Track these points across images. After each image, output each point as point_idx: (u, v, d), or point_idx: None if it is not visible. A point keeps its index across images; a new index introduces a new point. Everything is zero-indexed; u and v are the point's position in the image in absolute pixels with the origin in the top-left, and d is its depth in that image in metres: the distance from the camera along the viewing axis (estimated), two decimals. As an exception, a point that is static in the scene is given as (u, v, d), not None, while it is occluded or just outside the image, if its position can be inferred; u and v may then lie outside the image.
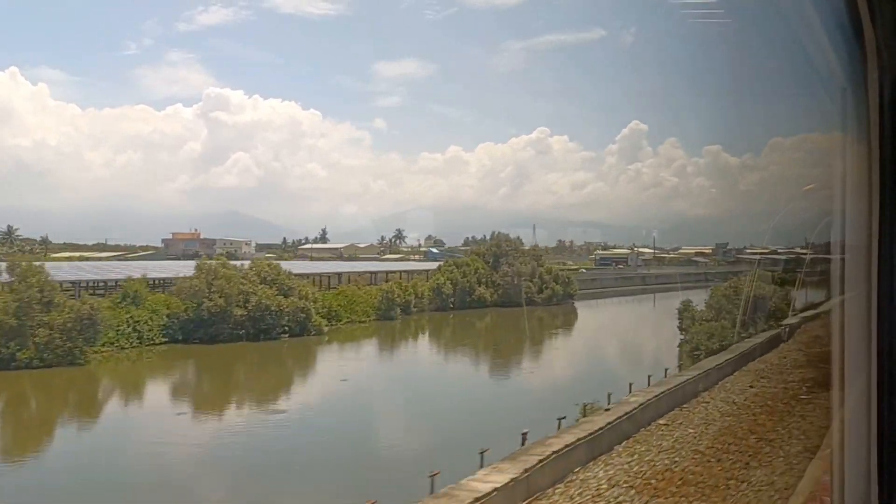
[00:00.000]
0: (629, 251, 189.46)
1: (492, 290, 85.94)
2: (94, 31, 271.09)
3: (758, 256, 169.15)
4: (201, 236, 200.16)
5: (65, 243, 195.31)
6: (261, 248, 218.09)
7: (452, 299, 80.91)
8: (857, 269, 2.52)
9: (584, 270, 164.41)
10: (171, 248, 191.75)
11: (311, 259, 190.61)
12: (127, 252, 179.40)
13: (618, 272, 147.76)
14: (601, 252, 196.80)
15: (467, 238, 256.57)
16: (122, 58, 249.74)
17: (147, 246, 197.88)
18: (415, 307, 76.60)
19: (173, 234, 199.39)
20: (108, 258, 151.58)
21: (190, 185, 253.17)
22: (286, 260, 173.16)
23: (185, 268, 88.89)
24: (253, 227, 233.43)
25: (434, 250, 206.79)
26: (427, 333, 70.71)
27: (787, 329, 46.71)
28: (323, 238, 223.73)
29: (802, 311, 64.37)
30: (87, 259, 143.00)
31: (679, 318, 57.69)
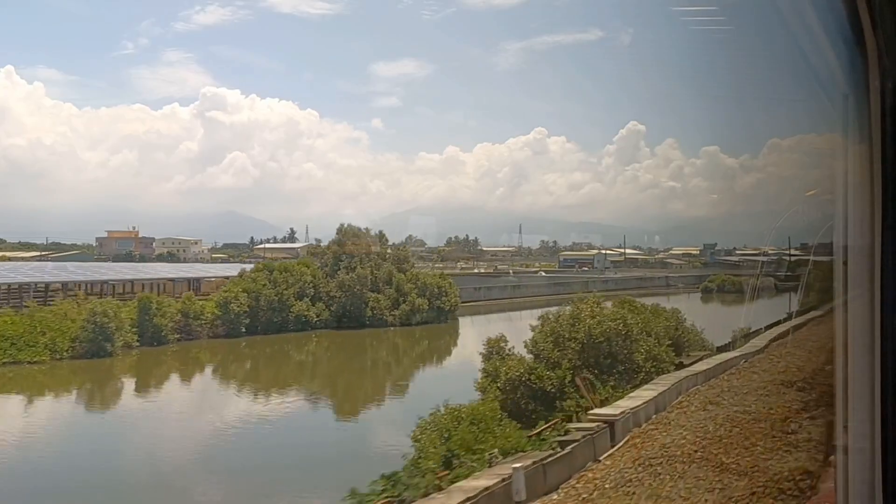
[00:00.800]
0: (596, 252, 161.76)
1: (323, 305, 59.06)
2: (91, 30, 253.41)
3: (737, 258, 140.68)
4: (139, 234, 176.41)
5: (20, 242, 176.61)
6: (227, 247, 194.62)
7: (248, 319, 54.03)
8: (860, 273, 2.37)
9: (543, 273, 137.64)
10: (105, 248, 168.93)
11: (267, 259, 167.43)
12: (50, 252, 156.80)
13: (555, 278, 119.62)
14: (565, 253, 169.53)
15: (450, 238, 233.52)
16: (119, 57, 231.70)
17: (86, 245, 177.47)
18: (178, 333, 50.13)
19: (108, 231, 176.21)
20: (29, 258, 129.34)
21: (186, 185, 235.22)
22: (243, 262, 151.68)
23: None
24: (251, 228, 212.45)
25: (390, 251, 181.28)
26: (127, 383, 42.75)
27: (613, 423, 18.77)
28: (291, 238, 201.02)
29: (722, 348, 37.11)
30: (9, 259, 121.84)
31: (483, 368, 30.40)
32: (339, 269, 59.85)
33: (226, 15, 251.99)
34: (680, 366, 31.86)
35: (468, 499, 12.46)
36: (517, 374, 27.61)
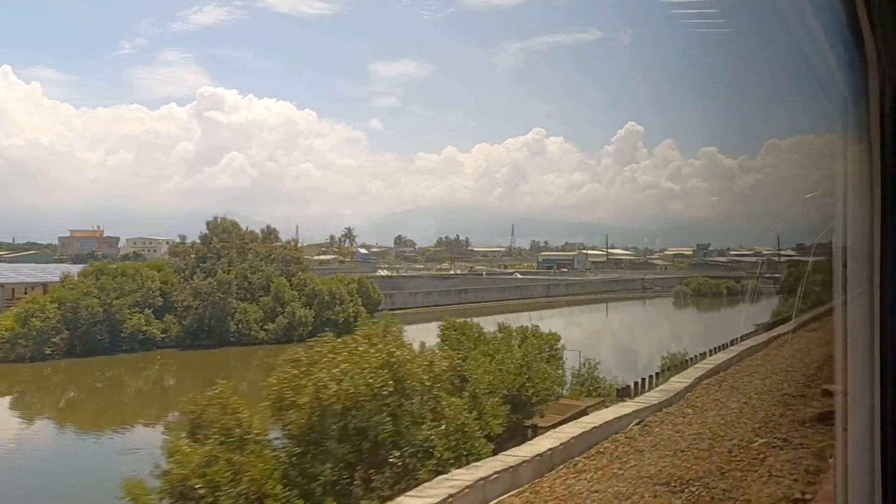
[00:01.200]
0: (576, 253, 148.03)
1: (175, 318, 46.15)
2: (89, 30, 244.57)
3: (726, 259, 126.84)
4: (104, 234, 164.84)
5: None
6: None
7: (59, 337, 41.11)
8: (859, 275, 2.32)
9: (518, 275, 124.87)
10: (67, 248, 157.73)
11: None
12: (8, 253, 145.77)
13: (521, 280, 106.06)
14: (544, 254, 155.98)
15: (440, 238, 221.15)
16: (118, 57, 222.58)
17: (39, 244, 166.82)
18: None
19: (71, 231, 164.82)
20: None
21: (185, 185, 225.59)
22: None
23: None
24: (253, 230, 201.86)
25: (363, 251, 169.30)
26: None
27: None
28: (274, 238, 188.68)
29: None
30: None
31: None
32: (196, 273, 46.85)
33: (223, 15, 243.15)
34: (517, 436, 18.61)
35: None
36: (182, 473, 14.58)
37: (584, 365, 25.05)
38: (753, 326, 42.52)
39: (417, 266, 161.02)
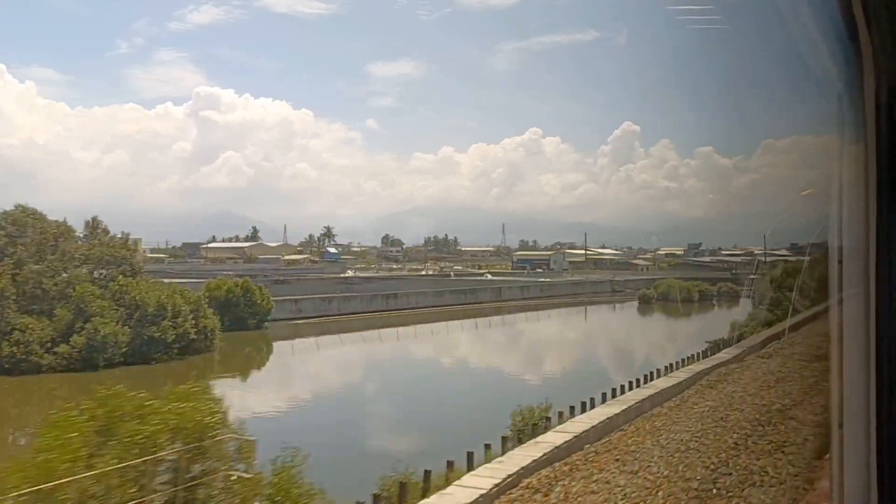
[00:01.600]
0: (552, 252, 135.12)
1: (-75, 339, 33.78)
2: (86, 30, 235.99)
3: (709, 259, 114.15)
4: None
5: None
6: (188, 247, 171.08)
7: None
8: (855, 273, 2.28)
9: (489, 276, 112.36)
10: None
11: (207, 260, 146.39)
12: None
13: (484, 281, 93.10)
14: (519, 253, 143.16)
15: (427, 238, 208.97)
16: (114, 57, 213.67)
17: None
18: None
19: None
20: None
21: (182, 184, 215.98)
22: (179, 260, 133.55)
23: None
24: (248, 229, 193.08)
25: (332, 250, 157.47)
26: None
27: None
28: (254, 237, 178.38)
29: None
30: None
31: None
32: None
33: (220, 14, 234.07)
34: None
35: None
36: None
37: (289, 459, 12.32)
38: (705, 344, 31.52)
39: (395, 266, 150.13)
